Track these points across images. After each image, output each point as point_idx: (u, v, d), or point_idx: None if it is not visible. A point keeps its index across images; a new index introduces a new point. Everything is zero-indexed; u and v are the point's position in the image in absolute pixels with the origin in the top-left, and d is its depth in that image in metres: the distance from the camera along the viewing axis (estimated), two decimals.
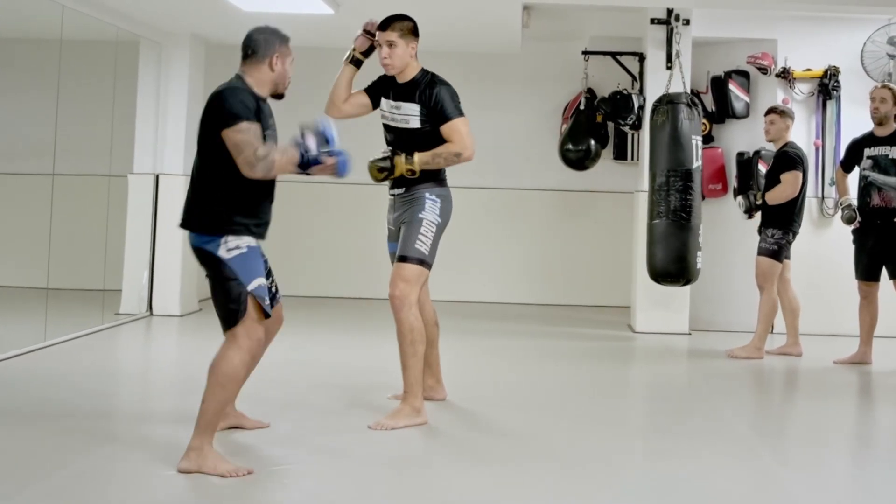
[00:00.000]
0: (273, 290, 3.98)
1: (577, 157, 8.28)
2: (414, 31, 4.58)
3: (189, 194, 3.81)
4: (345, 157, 3.73)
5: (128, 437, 4.24)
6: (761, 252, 6.54)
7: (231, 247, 3.70)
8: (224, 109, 3.68)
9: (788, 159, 6.50)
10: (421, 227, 4.42)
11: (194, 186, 3.80)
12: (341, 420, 4.50)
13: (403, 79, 4.55)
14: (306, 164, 3.69)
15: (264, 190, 3.81)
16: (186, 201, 3.81)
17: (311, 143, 3.70)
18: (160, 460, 3.92)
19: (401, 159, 4.39)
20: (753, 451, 4.30)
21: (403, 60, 4.52)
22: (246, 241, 3.74)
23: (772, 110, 6.67)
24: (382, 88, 4.65)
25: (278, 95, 3.96)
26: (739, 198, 6.73)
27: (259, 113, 3.75)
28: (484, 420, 4.66)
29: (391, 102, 4.57)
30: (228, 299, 3.70)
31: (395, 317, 4.37)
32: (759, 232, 6.62)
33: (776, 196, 6.47)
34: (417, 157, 4.40)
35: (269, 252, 4.09)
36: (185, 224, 3.79)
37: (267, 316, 3.77)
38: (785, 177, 6.46)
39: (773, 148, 6.74)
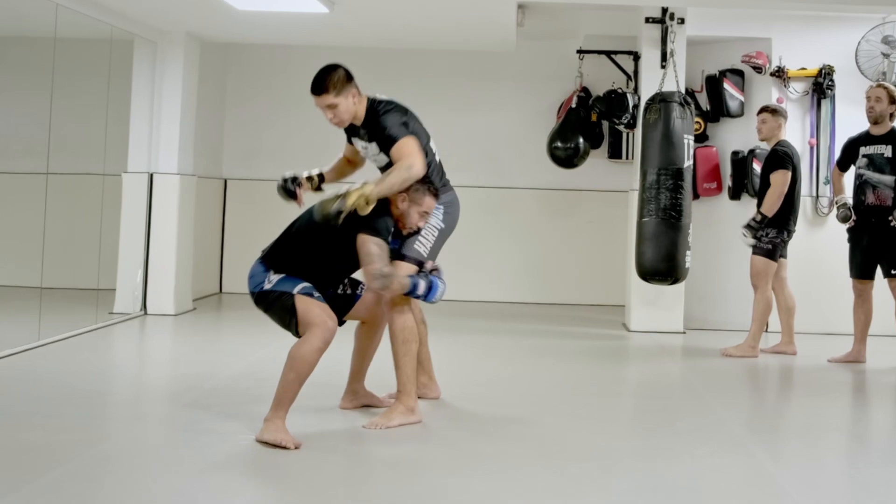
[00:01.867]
0: (348, 291, 4.41)
1: (565, 154, 8.26)
2: (348, 77, 4.27)
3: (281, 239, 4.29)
4: (436, 285, 4.31)
5: (121, 436, 4.23)
6: (756, 251, 6.54)
7: (272, 279, 4.14)
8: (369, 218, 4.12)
9: (777, 158, 6.49)
10: (424, 229, 4.40)
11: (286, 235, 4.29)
12: (336, 419, 4.50)
13: (358, 121, 4.38)
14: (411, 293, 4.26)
15: (332, 276, 4.29)
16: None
17: (422, 289, 4.25)
18: (154, 459, 3.92)
19: (351, 190, 4.12)
20: (748, 449, 4.30)
21: (350, 112, 4.31)
22: (283, 274, 4.15)
23: (764, 109, 6.67)
24: (350, 130, 4.53)
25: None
26: (742, 230, 6.55)
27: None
28: (478, 419, 4.65)
29: (360, 143, 4.48)
30: (285, 312, 4.09)
31: (387, 316, 4.37)
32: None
33: (770, 204, 6.44)
34: (368, 184, 4.13)
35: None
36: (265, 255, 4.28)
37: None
38: (773, 178, 6.45)
39: (766, 147, 6.75)
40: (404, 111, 4.38)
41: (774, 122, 6.57)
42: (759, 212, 6.51)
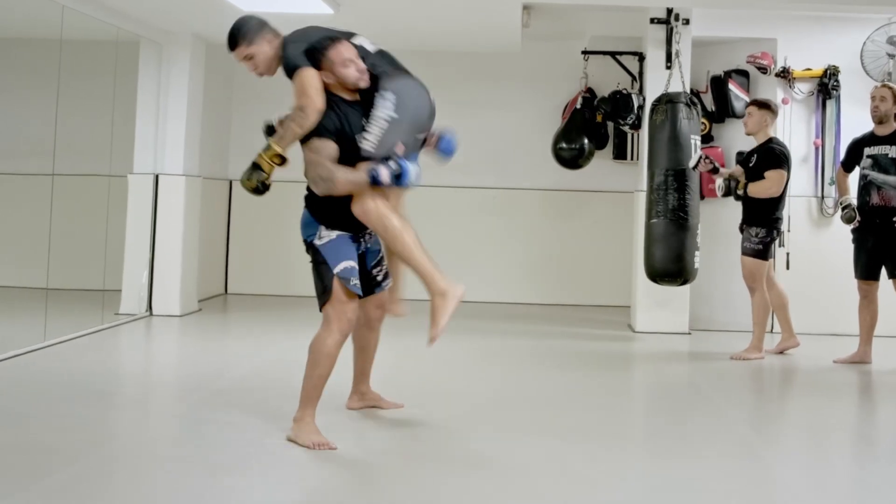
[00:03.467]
0: (379, 277, 4.35)
1: (570, 155, 8.29)
2: (260, 24, 4.14)
3: None
4: (405, 166, 3.99)
5: (128, 437, 4.24)
6: (746, 252, 6.52)
7: (323, 236, 4.07)
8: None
9: (775, 157, 6.44)
10: (369, 125, 4.04)
11: None
12: (344, 419, 4.50)
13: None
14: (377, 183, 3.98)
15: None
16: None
17: (385, 175, 3.96)
18: (160, 460, 3.93)
19: (262, 154, 4.03)
20: (755, 450, 4.30)
21: (268, 58, 4.13)
22: (336, 232, 4.08)
23: (752, 103, 6.67)
24: None
25: (358, 90, 4.08)
26: (719, 180, 6.61)
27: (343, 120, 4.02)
28: (484, 420, 4.66)
29: None
30: (320, 281, 4.06)
31: (364, 221, 4.07)
32: (741, 230, 6.60)
33: (759, 190, 6.41)
34: (272, 140, 4.02)
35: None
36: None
37: (360, 296, 4.09)
38: (771, 174, 6.40)
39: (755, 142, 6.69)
40: (310, 32, 4.13)
41: (760, 116, 6.51)
42: (745, 184, 6.45)
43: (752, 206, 6.50)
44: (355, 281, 4.06)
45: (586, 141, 8.26)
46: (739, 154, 7.71)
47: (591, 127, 8.34)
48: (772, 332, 7.13)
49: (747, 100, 7.80)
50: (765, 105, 6.55)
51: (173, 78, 7.79)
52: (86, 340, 6.51)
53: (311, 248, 4.10)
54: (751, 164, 6.56)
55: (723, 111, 7.88)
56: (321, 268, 4.06)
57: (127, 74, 7.72)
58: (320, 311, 4.09)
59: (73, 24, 6.72)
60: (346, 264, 4.04)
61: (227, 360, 6.22)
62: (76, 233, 7.73)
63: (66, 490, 3.43)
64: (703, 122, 7.64)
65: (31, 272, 7.19)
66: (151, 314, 7.68)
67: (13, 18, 7.87)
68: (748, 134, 6.64)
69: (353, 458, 3.97)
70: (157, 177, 7.75)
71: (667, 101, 6.52)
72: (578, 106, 8.36)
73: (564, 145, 8.28)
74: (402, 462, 3.94)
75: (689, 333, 7.49)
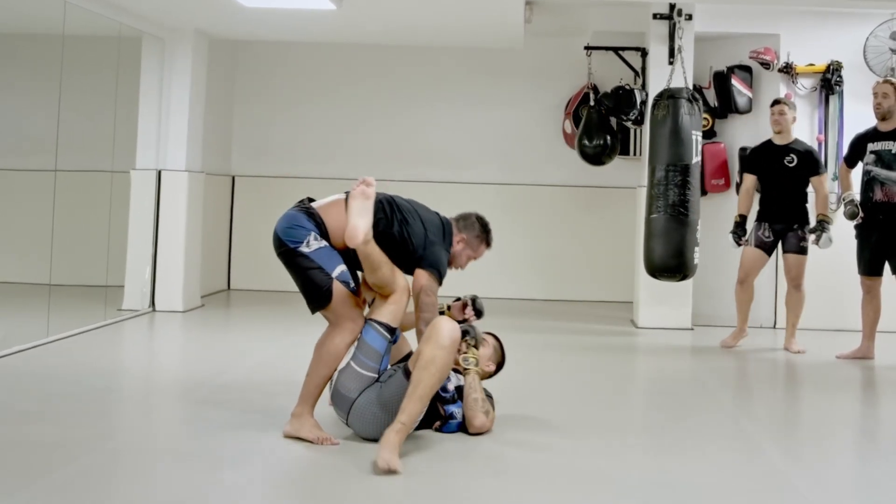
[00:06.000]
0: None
1: (594, 152, 8.30)
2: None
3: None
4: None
5: (131, 433, 4.24)
6: (799, 251, 6.62)
7: (312, 243, 4.06)
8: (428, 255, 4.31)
9: (818, 161, 6.70)
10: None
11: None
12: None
13: None
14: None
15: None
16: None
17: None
18: (164, 456, 3.93)
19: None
20: (758, 445, 4.30)
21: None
22: (325, 242, 4.09)
23: (783, 101, 6.76)
24: None
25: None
26: (823, 239, 6.56)
27: None
28: None
29: None
30: (314, 285, 4.04)
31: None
32: (767, 229, 6.64)
33: (827, 204, 6.66)
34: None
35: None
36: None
37: (356, 295, 4.13)
38: (821, 182, 6.65)
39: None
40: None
41: (791, 114, 6.75)
42: (823, 214, 6.60)
43: (800, 207, 6.68)
44: (353, 284, 4.11)
45: (609, 137, 8.29)
46: (742, 150, 7.70)
47: (607, 121, 8.36)
48: (775, 327, 7.12)
49: (750, 95, 7.80)
50: (792, 105, 6.82)
51: (176, 73, 7.79)
52: (88, 336, 6.52)
53: (293, 254, 4.05)
54: (792, 165, 6.64)
55: (726, 107, 7.87)
56: (312, 273, 4.03)
57: (129, 70, 7.72)
58: (312, 313, 4.11)
59: (76, 20, 6.72)
60: (342, 268, 4.07)
61: (229, 356, 6.23)
62: (79, 229, 7.74)
63: (69, 487, 3.43)
64: (705, 118, 7.65)
65: (34, 268, 7.20)
66: (154, 310, 7.69)
67: (15, 14, 7.88)
68: (780, 132, 6.67)
69: (355, 453, 3.97)
70: (159, 173, 7.75)
71: (668, 97, 6.51)
72: (591, 102, 8.36)
73: (587, 143, 8.30)
74: (403, 458, 3.93)
75: (692, 329, 7.49)
